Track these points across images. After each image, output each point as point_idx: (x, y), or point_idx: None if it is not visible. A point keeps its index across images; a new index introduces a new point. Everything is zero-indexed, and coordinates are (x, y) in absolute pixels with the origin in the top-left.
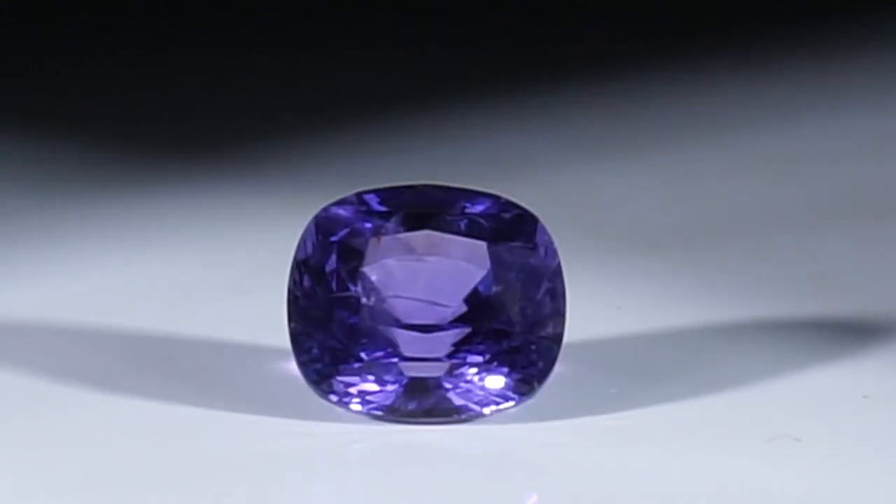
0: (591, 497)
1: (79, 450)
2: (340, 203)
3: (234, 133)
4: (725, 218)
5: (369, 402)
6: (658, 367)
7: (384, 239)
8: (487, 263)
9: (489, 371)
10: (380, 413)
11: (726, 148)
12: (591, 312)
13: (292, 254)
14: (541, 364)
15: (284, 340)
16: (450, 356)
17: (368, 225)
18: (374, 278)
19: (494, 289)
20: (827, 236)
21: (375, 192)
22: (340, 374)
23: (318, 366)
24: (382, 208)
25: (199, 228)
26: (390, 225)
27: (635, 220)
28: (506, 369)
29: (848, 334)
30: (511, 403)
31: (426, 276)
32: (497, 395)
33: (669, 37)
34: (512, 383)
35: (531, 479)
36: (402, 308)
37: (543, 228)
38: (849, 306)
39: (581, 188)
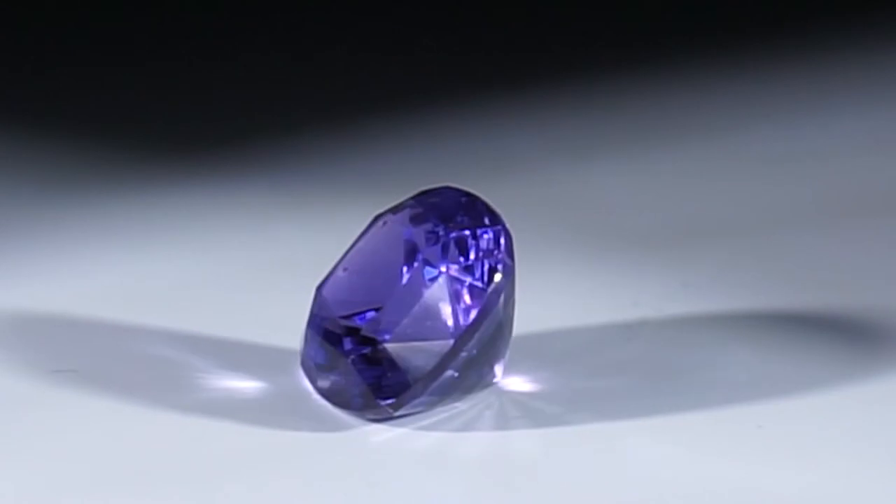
0: (587, 498)
1: (80, 448)
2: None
3: (234, 133)
4: (723, 218)
5: (305, 353)
6: (654, 366)
7: (388, 224)
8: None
9: (370, 369)
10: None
11: (725, 148)
12: (588, 311)
13: (291, 252)
14: (397, 384)
15: (283, 339)
16: (357, 346)
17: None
18: (352, 253)
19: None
20: (826, 235)
21: (444, 189)
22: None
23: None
24: (422, 200)
25: (198, 228)
26: (398, 217)
27: (633, 219)
28: (374, 372)
29: (847, 333)
30: (383, 409)
31: (374, 264)
32: (369, 398)
33: (667, 37)
34: (382, 389)
35: (521, 482)
36: (343, 285)
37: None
38: (848, 305)
39: (579, 188)
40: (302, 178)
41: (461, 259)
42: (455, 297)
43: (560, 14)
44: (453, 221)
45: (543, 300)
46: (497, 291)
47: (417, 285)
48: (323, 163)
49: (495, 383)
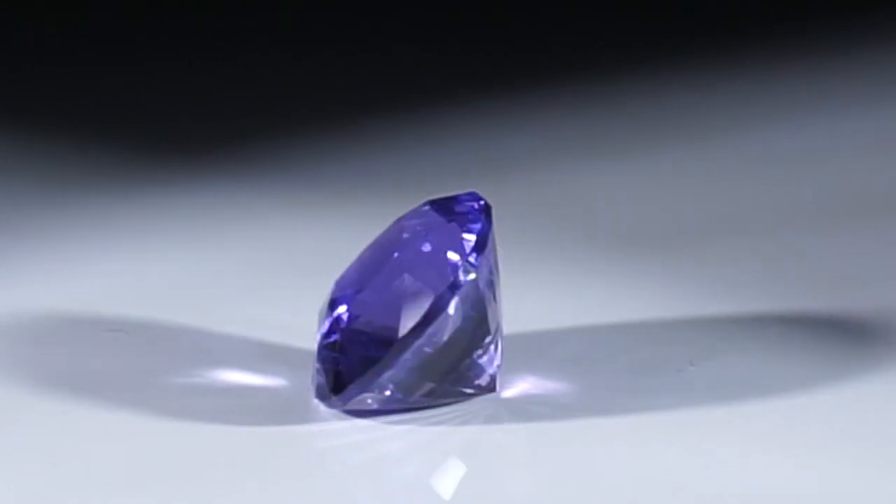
0: (584, 495)
1: (82, 449)
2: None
3: (234, 133)
4: (723, 218)
5: None
6: (651, 366)
7: (399, 222)
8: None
9: (331, 358)
10: None
11: (725, 148)
12: (586, 310)
13: (290, 253)
14: (327, 373)
15: (279, 336)
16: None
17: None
18: (368, 246)
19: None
20: (826, 235)
21: (467, 194)
22: None
23: None
24: (436, 201)
25: (197, 228)
26: (409, 215)
27: (632, 220)
28: (333, 361)
29: (846, 333)
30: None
31: (373, 256)
32: (323, 389)
33: (667, 37)
34: (334, 378)
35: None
36: (347, 274)
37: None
38: (848, 305)
39: (578, 188)
40: (302, 178)
41: (427, 262)
42: (411, 296)
43: (560, 14)
44: (440, 225)
45: (542, 301)
46: (448, 294)
47: (389, 280)
48: (323, 163)
49: (486, 388)
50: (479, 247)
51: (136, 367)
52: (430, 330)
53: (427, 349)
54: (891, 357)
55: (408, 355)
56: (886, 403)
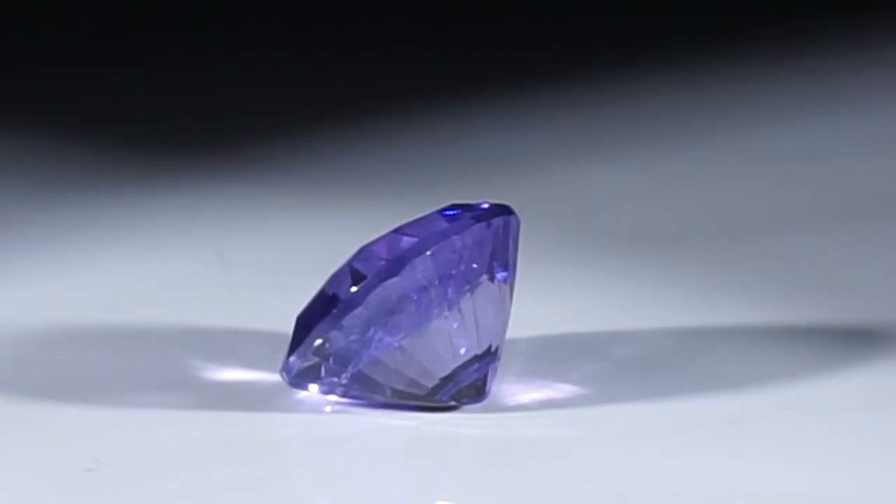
0: (584, 492)
1: (81, 448)
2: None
3: (234, 133)
4: (723, 218)
5: None
6: (652, 366)
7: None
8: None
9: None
10: None
11: (725, 148)
12: (587, 310)
13: (290, 253)
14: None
15: (277, 327)
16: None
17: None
18: None
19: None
20: (826, 235)
21: (492, 204)
22: None
23: None
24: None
25: (196, 227)
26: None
27: (631, 220)
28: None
29: (845, 332)
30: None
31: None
32: None
33: (667, 37)
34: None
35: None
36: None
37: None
38: (847, 305)
39: (578, 188)
40: (302, 178)
41: (374, 253)
42: (338, 282)
43: (560, 14)
44: (424, 224)
45: (543, 302)
46: (370, 283)
47: (347, 268)
48: (323, 163)
49: (462, 398)
50: (420, 248)
51: (136, 367)
52: (343, 321)
53: (346, 339)
54: (890, 357)
55: (321, 341)
56: (886, 403)
